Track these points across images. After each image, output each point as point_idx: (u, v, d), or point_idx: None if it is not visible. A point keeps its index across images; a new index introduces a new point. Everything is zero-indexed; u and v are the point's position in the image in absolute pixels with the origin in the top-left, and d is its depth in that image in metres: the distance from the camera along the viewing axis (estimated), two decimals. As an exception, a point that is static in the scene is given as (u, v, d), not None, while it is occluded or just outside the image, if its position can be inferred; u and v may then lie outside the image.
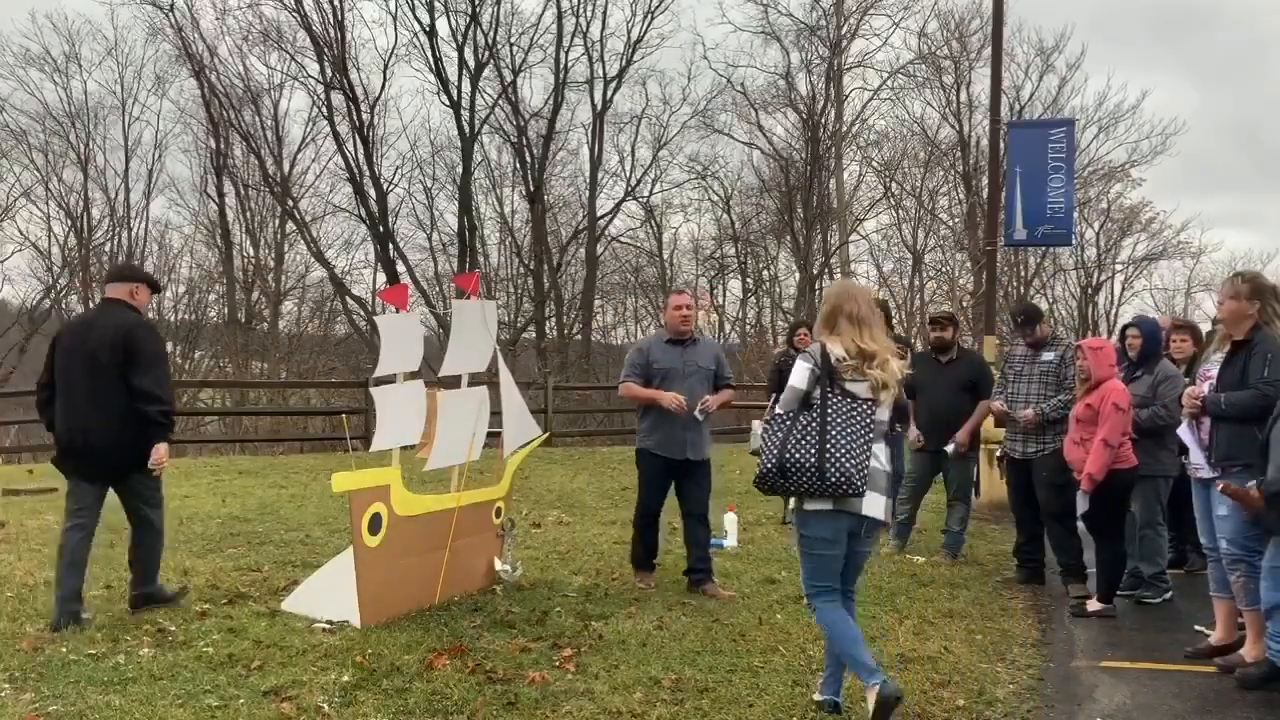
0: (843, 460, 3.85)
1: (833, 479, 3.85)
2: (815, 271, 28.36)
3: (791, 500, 4.14)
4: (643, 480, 6.26)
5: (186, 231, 30.48)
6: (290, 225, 28.96)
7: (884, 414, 4.03)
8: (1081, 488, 5.90)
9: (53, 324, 29.04)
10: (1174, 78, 44.70)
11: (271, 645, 4.64)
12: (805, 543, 4.13)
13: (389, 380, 5.55)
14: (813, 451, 3.89)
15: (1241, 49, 45.24)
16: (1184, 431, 5.26)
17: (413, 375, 5.61)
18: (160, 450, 4.99)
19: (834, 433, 3.89)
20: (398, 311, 5.77)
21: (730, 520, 7.71)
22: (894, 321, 9.34)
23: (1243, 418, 4.85)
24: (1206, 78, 45.58)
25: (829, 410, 3.93)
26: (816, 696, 4.23)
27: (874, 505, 3.98)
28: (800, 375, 4.00)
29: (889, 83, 28.52)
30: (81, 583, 5.08)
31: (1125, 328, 6.89)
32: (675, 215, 32.31)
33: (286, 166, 28.58)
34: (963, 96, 29.20)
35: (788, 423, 3.98)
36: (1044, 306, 27.02)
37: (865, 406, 3.94)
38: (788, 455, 3.92)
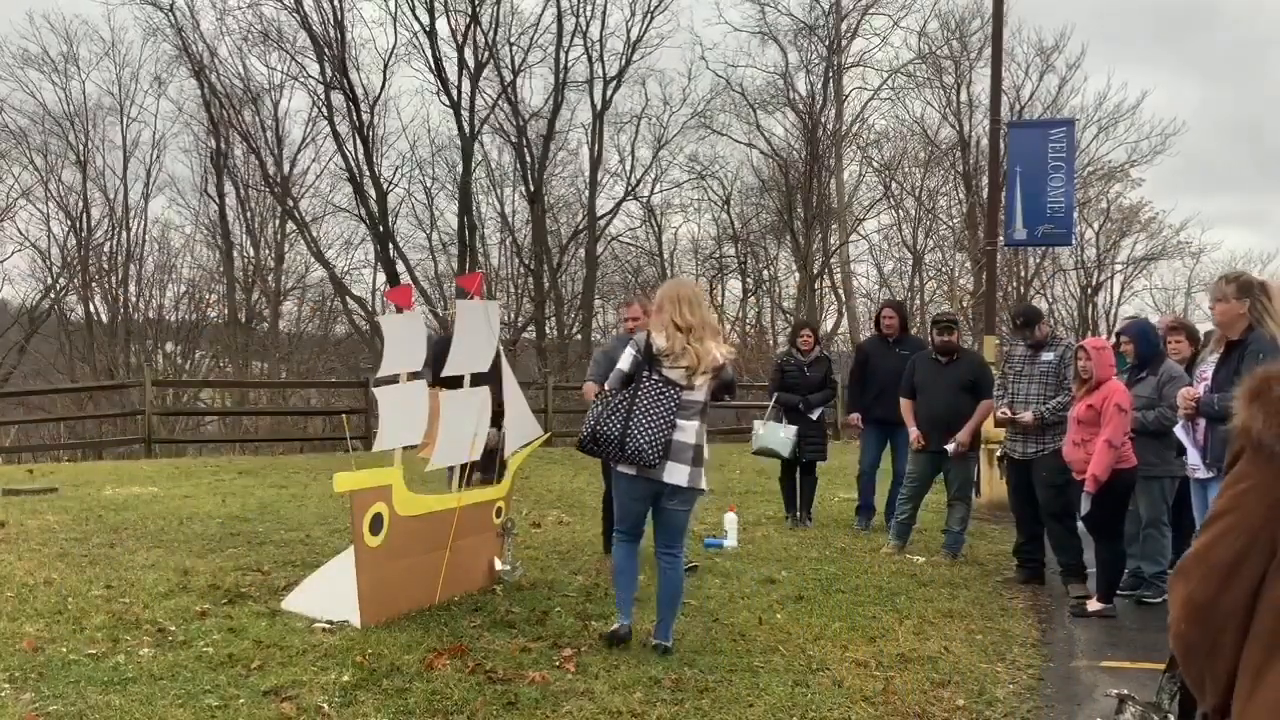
0: (639, 436, 4.50)
1: (630, 451, 4.52)
2: (815, 271, 28.36)
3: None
4: (603, 465, 6.52)
5: (187, 231, 30.50)
6: (290, 225, 28.96)
7: (699, 395, 4.65)
8: (1085, 489, 5.91)
9: (52, 324, 29.12)
10: (1174, 77, 44.72)
11: (271, 645, 4.64)
12: (616, 493, 4.86)
13: (391, 380, 5.55)
14: (618, 427, 4.55)
15: (1242, 48, 45.26)
16: (1180, 432, 5.27)
17: (415, 375, 5.61)
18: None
19: (638, 412, 4.54)
20: (399, 311, 5.77)
21: (730, 520, 7.71)
22: (910, 326, 9.32)
23: None
24: (1207, 77, 45.61)
25: (640, 392, 4.59)
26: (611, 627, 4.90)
27: (675, 474, 4.59)
28: (627, 359, 4.69)
29: (889, 82, 28.53)
30: None
31: (1117, 334, 6.92)
32: (675, 215, 32.27)
33: (286, 166, 28.59)
34: (963, 96, 29.22)
35: (607, 399, 4.65)
36: (1044, 306, 27.05)
37: (673, 390, 4.57)
38: (599, 427, 4.60)
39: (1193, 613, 1.43)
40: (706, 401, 4.73)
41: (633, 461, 4.57)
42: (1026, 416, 6.61)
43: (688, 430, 4.61)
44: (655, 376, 4.59)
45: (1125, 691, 2.06)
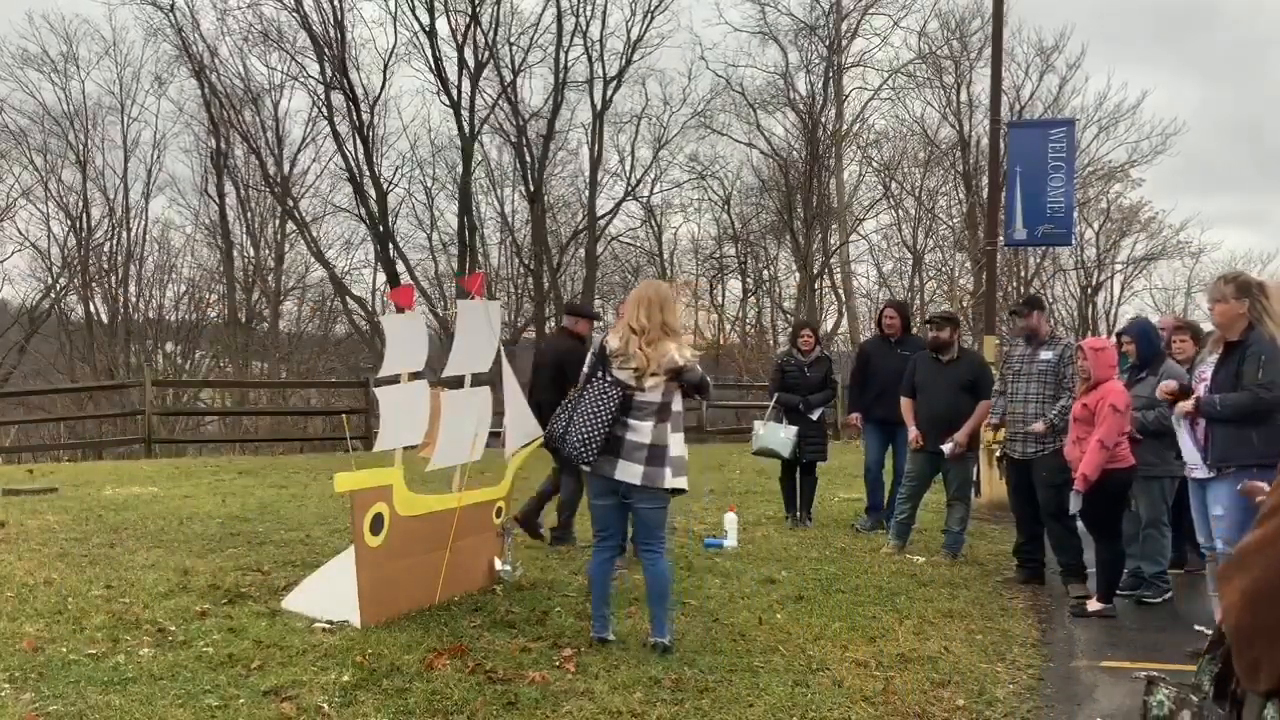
0: (575, 435, 4.69)
1: (569, 449, 4.72)
2: (815, 271, 28.36)
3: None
4: None
5: (187, 231, 30.51)
6: (290, 225, 28.96)
7: (653, 396, 4.70)
8: (1075, 487, 5.92)
9: (52, 324, 29.13)
10: (1175, 76, 44.73)
11: (271, 645, 4.64)
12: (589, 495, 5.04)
13: (393, 380, 5.55)
14: (562, 425, 4.79)
15: (1243, 47, 45.25)
16: (1181, 432, 5.27)
17: (416, 375, 5.61)
18: None
19: (580, 411, 4.72)
20: (399, 310, 5.77)
21: (730, 520, 7.71)
22: (913, 326, 9.30)
23: (1238, 419, 4.86)
24: (1208, 76, 45.61)
25: (587, 391, 4.75)
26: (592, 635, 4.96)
27: (627, 472, 4.69)
28: (586, 361, 4.93)
29: (889, 82, 28.52)
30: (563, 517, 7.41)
31: (1119, 335, 6.93)
32: (675, 215, 32.27)
33: (286, 166, 28.59)
34: (963, 96, 29.19)
35: (567, 398, 4.95)
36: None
37: (616, 390, 4.69)
38: (551, 425, 4.91)
39: (1255, 600, 1.45)
40: (667, 402, 4.74)
41: (570, 458, 4.78)
42: (1038, 426, 6.56)
43: (641, 430, 4.69)
44: (605, 377, 4.74)
45: (1155, 673, 2.07)
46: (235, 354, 27.96)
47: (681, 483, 4.82)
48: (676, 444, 4.78)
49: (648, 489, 4.71)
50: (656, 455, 4.71)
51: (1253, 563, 1.47)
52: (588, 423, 4.69)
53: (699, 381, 4.84)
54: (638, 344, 4.69)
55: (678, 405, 4.82)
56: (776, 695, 4.28)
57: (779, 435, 8.27)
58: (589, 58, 27.43)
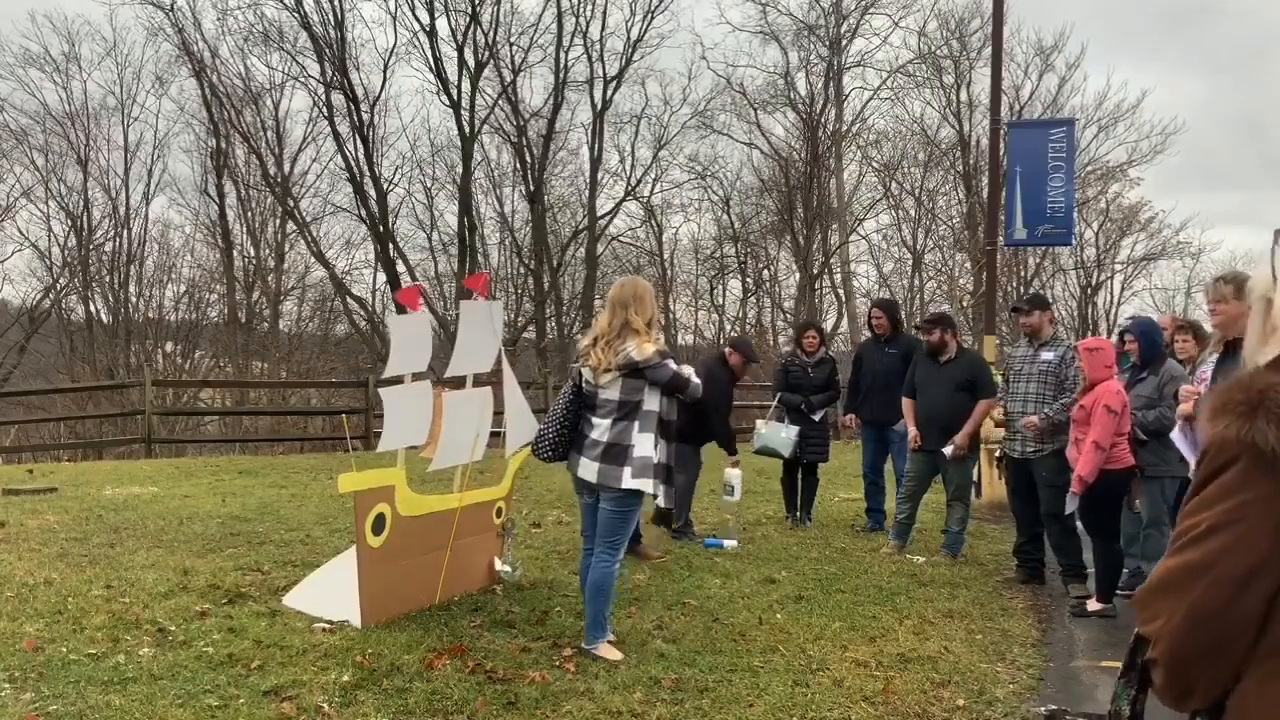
0: (540, 430, 4.92)
1: (535, 445, 4.95)
2: (815, 271, 28.37)
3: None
4: None
5: (187, 231, 30.53)
6: (290, 225, 28.97)
7: (612, 394, 4.71)
8: (1071, 489, 5.92)
9: (53, 324, 29.12)
10: (1176, 74, 44.73)
11: (271, 645, 4.64)
12: None
13: (397, 381, 5.55)
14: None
15: (1246, 45, 45.26)
16: (1177, 435, 5.24)
17: (419, 376, 5.61)
18: None
19: (549, 409, 4.96)
20: (400, 311, 5.76)
21: (734, 475, 7.76)
22: (900, 322, 9.25)
23: None
24: (1210, 73, 45.63)
25: (559, 391, 5.01)
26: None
27: (585, 469, 4.73)
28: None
29: (889, 82, 28.56)
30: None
31: (1122, 333, 6.91)
32: (675, 215, 32.35)
33: (287, 166, 28.61)
34: (963, 96, 29.24)
35: None
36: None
37: (571, 387, 4.86)
38: None
39: (1198, 625, 1.41)
40: (635, 401, 4.66)
41: (535, 453, 4.98)
42: (1031, 419, 6.57)
43: (599, 427, 4.72)
44: (576, 374, 4.87)
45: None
46: (235, 354, 27.95)
47: (642, 484, 4.62)
48: (644, 444, 4.65)
49: (605, 487, 4.67)
50: (615, 453, 4.64)
51: (1191, 586, 1.43)
52: (551, 420, 4.88)
53: (668, 380, 4.70)
54: (600, 344, 4.74)
55: (651, 405, 4.69)
56: (776, 695, 4.28)
57: (780, 435, 8.28)
58: (589, 58, 27.52)
